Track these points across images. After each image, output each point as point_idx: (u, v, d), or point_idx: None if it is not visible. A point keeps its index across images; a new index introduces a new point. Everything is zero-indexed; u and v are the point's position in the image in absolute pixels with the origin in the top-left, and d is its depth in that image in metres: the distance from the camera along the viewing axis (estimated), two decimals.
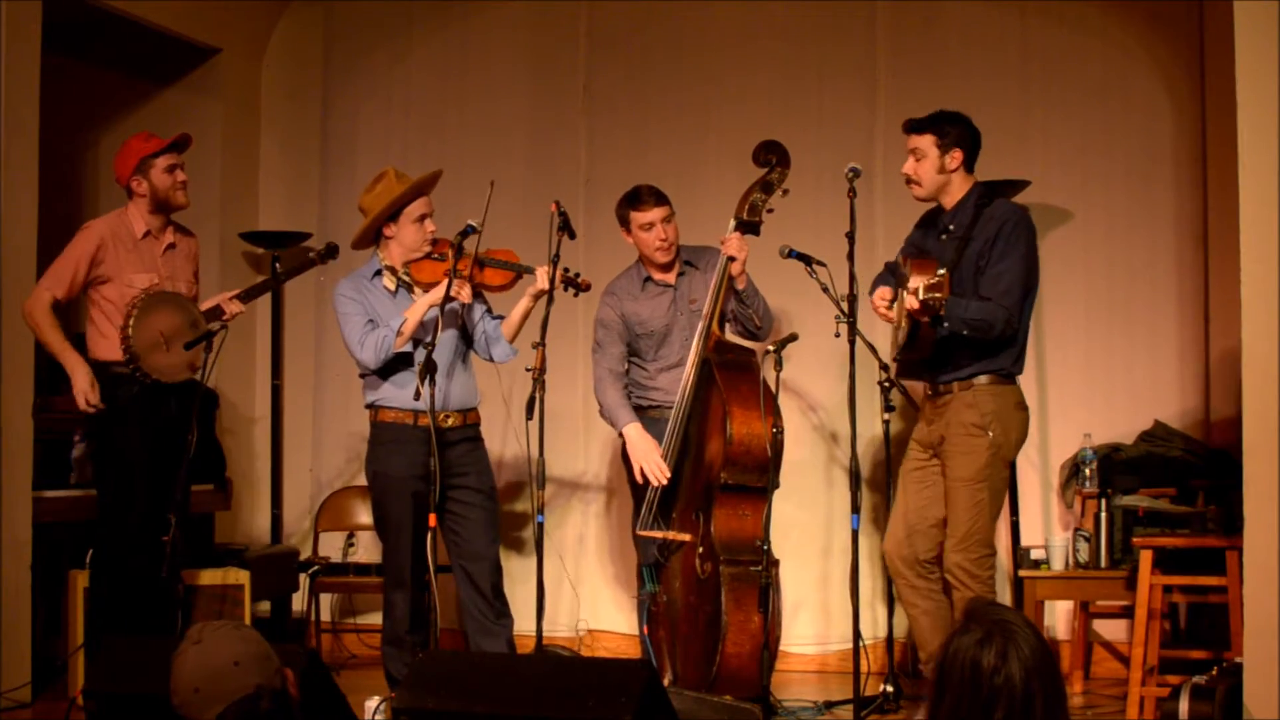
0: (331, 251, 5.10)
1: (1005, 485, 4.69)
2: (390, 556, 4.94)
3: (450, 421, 4.87)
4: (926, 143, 4.59)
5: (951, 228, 4.61)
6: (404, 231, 4.92)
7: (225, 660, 2.46)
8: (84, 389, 4.83)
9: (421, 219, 4.92)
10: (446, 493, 4.84)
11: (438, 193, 5.01)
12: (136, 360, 4.79)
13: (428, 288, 4.87)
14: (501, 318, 5.00)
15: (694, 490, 4.92)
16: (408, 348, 4.86)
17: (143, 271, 4.92)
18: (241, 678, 2.44)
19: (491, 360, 5.02)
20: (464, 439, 4.92)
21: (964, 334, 4.43)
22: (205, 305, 4.98)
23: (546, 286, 4.76)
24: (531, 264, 4.89)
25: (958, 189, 4.63)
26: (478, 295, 5.00)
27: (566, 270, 4.85)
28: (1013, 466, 5.67)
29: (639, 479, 4.96)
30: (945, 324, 4.40)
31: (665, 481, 4.91)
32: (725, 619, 4.68)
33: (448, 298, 4.73)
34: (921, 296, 4.25)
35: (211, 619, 5.26)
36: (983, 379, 4.54)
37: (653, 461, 4.93)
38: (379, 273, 4.96)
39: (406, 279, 4.93)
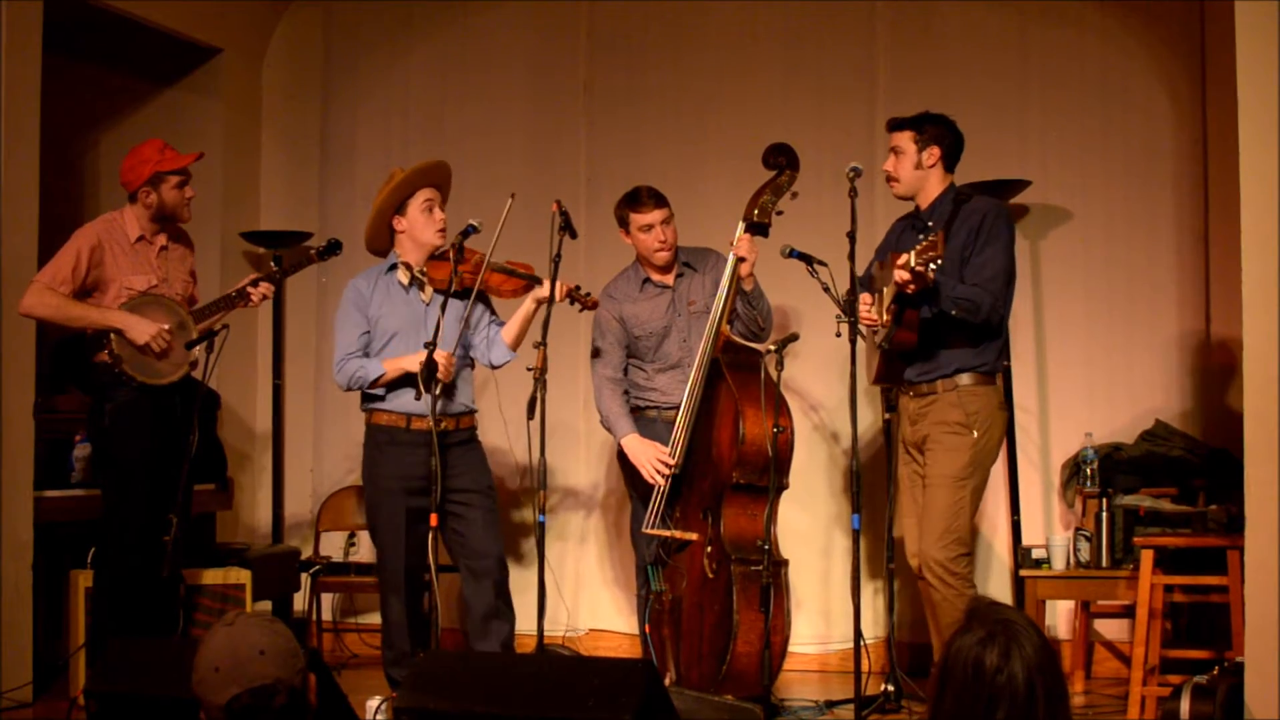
0: (332, 248, 5.08)
1: (984, 485, 4.70)
2: (383, 561, 4.95)
3: (444, 425, 4.86)
4: (904, 139, 4.67)
5: (930, 224, 4.63)
6: (413, 223, 4.91)
7: (252, 647, 2.46)
8: (149, 330, 4.76)
9: (429, 208, 4.91)
10: (445, 495, 4.84)
11: None
12: (119, 363, 4.78)
13: (439, 284, 4.86)
14: (504, 323, 5.00)
15: (701, 490, 4.92)
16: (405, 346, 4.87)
17: (140, 274, 4.91)
18: (263, 667, 2.44)
19: (490, 364, 5.01)
20: (458, 442, 4.90)
21: (952, 313, 4.44)
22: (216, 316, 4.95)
23: (546, 297, 4.76)
24: (539, 272, 4.89)
25: (934, 188, 4.68)
26: (484, 300, 5.01)
27: (578, 288, 4.87)
28: (1013, 466, 5.69)
29: (649, 479, 4.97)
30: (935, 300, 4.40)
31: (671, 470, 4.90)
32: (736, 618, 4.68)
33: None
34: (913, 264, 4.26)
35: (213, 619, 5.31)
36: (965, 377, 4.57)
37: (655, 459, 4.93)
38: (394, 267, 4.96)
39: (421, 277, 4.92)
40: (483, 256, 4.85)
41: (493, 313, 5.06)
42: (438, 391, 4.68)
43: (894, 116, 4.73)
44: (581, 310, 5.02)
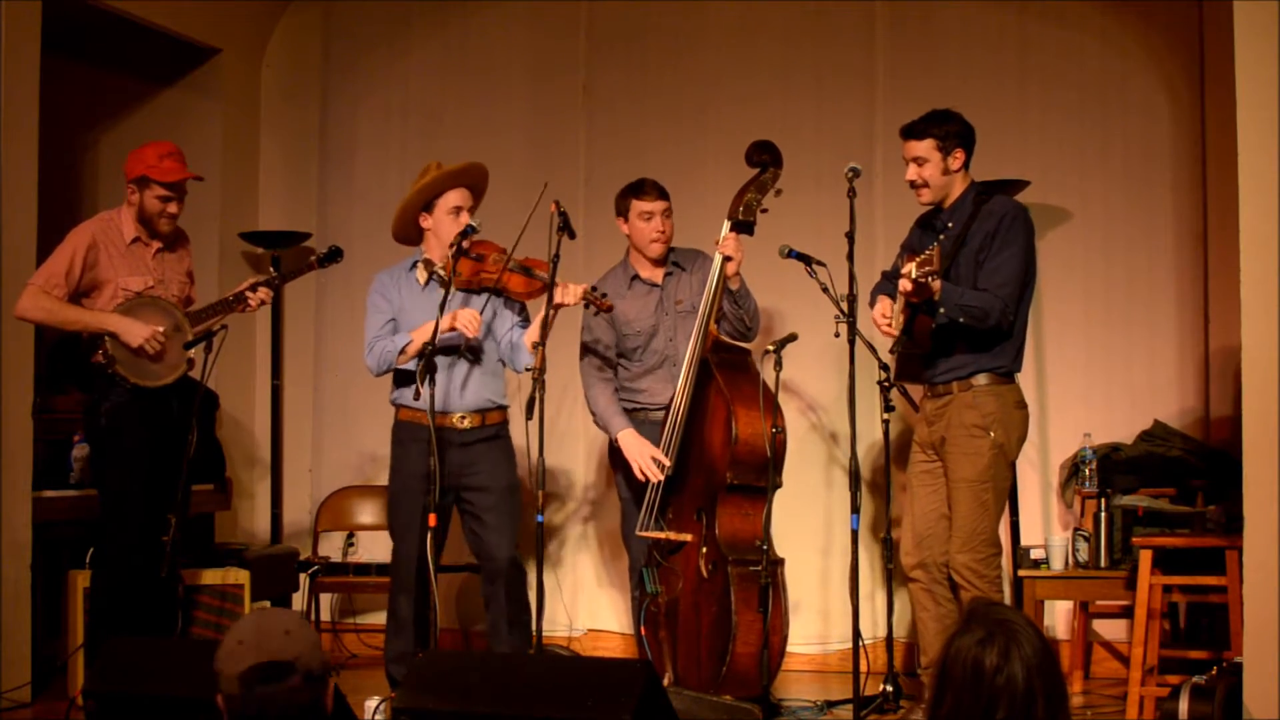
0: (333, 255, 5.07)
1: (1009, 484, 4.70)
2: (397, 556, 4.94)
3: (466, 422, 4.86)
4: (927, 148, 4.60)
5: (950, 225, 4.63)
6: (439, 223, 4.92)
7: (279, 626, 2.47)
8: (143, 333, 4.73)
9: (457, 211, 4.91)
10: (462, 493, 4.85)
11: None
12: (113, 364, 4.77)
13: (459, 283, 4.85)
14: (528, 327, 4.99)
15: (694, 490, 4.92)
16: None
17: (136, 275, 4.90)
18: (286, 645, 2.44)
19: (515, 369, 5.01)
20: (480, 439, 4.90)
21: (960, 321, 4.45)
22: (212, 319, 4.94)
23: (563, 301, 4.75)
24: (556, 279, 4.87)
25: (957, 188, 4.66)
26: (510, 303, 5.00)
27: (594, 289, 4.84)
28: (1012, 466, 5.68)
29: (640, 478, 4.96)
30: (941, 309, 4.42)
31: (665, 474, 4.90)
32: (735, 619, 4.67)
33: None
34: (914, 275, 4.33)
35: (212, 620, 5.31)
36: (982, 378, 4.56)
37: (648, 458, 4.93)
38: (415, 265, 4.97)
39: (440, 274, 4.92)
40: (502, 254, 4.84)
41: (520, 315, 5.04)
42: (435, 378, 4.66)
43: (906, 124, 4.66)
44: (596, 313, 5.00)
